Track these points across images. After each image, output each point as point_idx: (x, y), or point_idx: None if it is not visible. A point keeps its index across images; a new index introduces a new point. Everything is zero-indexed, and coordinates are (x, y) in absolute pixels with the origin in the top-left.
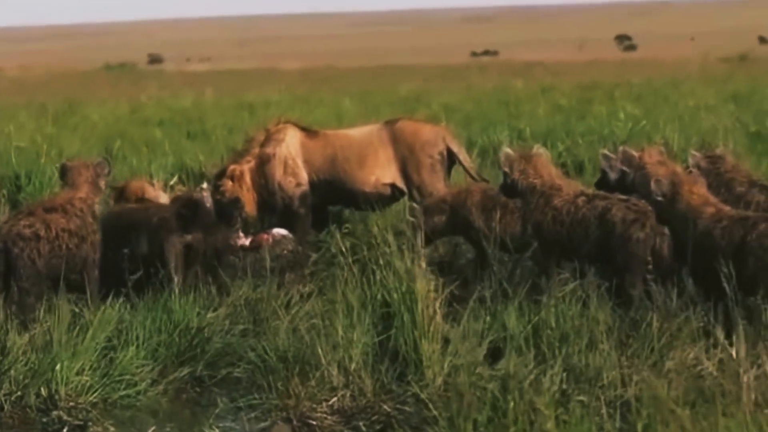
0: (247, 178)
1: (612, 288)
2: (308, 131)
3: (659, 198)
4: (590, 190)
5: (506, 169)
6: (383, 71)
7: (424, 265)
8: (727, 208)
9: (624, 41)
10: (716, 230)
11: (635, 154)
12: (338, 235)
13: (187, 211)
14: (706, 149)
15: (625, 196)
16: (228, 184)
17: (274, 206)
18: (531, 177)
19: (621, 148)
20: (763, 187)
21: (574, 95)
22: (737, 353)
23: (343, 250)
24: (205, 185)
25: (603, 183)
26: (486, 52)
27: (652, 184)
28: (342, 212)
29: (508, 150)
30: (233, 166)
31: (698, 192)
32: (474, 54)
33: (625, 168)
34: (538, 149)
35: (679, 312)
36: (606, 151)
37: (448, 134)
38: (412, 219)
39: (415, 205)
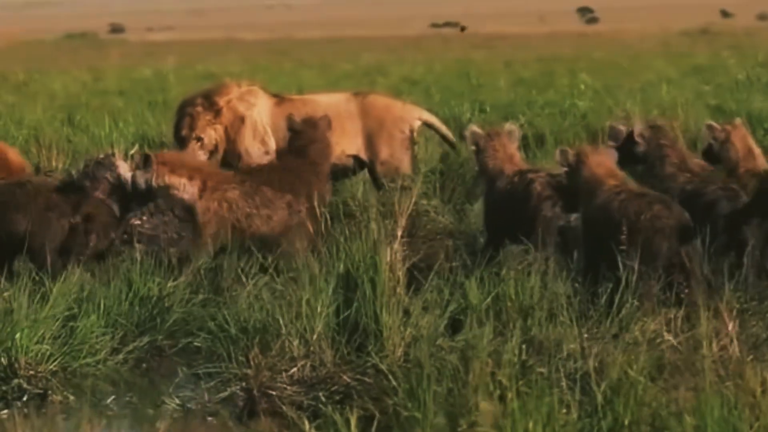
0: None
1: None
2: (277, 97)
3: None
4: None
5: None
6: (342, 42)
7: (399, 233)
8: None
9: (586, 13)
10: (614, 203)
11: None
12: None
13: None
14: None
15: None
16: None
17: None
18: None
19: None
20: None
21: (535, 68)
22: (699, 327)
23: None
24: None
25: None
26: (447, 24)
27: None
28: None
29: None
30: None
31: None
32: (434, 25)
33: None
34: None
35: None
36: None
37: (422, 111)
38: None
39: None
